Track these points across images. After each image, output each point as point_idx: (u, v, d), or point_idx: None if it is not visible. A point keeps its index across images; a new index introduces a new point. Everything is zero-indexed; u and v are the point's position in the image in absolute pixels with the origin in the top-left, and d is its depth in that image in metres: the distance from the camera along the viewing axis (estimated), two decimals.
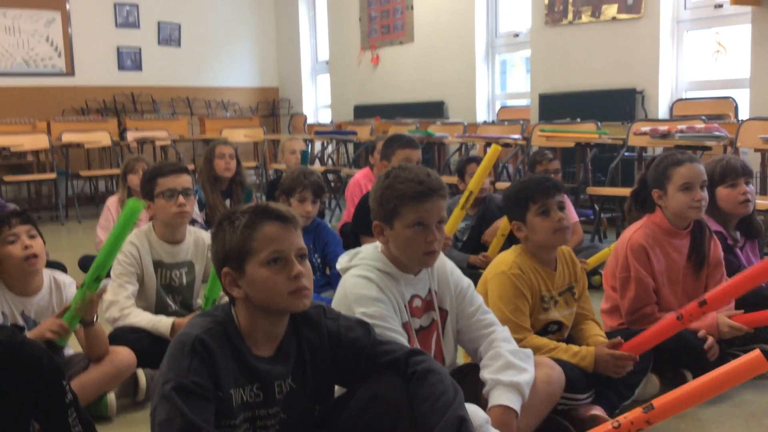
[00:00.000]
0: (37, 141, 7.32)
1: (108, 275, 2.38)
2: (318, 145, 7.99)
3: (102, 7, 8.88)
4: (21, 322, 2.34)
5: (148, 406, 2.44)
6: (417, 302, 1.97)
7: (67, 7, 8.64)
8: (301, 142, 5.01)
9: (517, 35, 7.05)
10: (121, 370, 2.41)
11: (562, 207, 2.27)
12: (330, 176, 7.33)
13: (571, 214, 4.23)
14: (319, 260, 3.35)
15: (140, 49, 9.15)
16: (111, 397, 2.38)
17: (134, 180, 4.27)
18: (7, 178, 7.06)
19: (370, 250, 1.98)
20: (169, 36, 9.37)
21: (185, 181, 2.78)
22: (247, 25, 10.01)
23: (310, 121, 9.68)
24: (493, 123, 6.48)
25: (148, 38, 9.21)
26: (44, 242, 2.37)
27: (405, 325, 1.91)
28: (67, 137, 7.39)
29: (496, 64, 7.33)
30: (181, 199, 2.74)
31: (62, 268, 3.96)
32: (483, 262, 3.66)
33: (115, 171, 7.74)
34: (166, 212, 2.75)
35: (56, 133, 7.58)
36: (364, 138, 6.79)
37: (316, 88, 10.11)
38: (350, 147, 7.62)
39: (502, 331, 2.00)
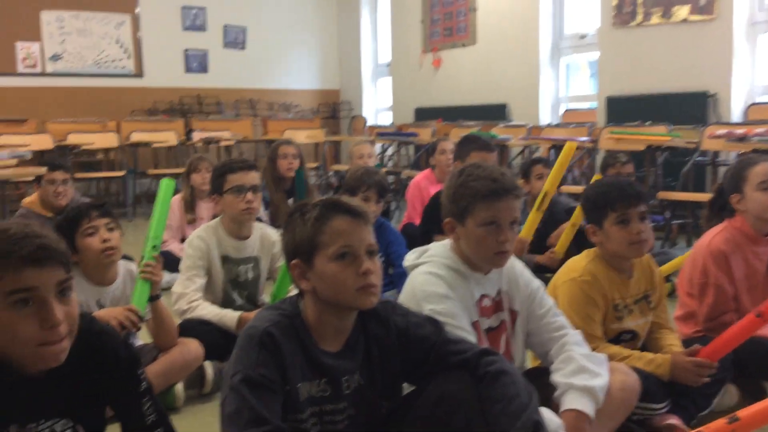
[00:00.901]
0: (107, 140, 7.55)
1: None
2: (378, 147, 7.98)
3: (170, 10, 9.10)
4: (96, 310, 2.39)
5: (214, 397, 2.49)
6: (486, 302, 1.94)
7: (137, 10, 8.88)
8: (370, 147, 5.02)
9: (583, 37, 6.92)
10: (189, 361, 2.45)
11: (643, 217, 2.17)
12: (390, 178, 7.34)
13: None
14: (382, 260, 3.33)
15: (207, 52, 9.34)
16: (179, 388, 2.42)
17: (197, 179, 4.35)
18: (78, 175, 7.27)
19: (440, 248, 1.96)
20: (235, 39, 9.54)
21: (254, 178, 2.81)
22: (310, 29, 10.11)
23: (370, 123, 9.71)
24: (558, 126, 6.36)
25: (215, 41, 9.39)
26: (122, 234, 2.43)
27: (474, 324, 1.87)
28: (136, 136, 7.59)
29: (561, 66, 7.20)
30: (249, 195, 2.77)
31: (100, 205, 4.04)
32: (551, 261, 3.58)
33: (181, 170, 7.89)
34: (234, 208, 2.78)
35: (125, 132, 7.80)
36: (425, 140, 6.76)
37: (377, 90, 10.14)
38: (411, 149, 7.61)
39: (574, 335, 1.95)
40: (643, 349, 2.29)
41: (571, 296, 2.18)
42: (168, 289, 4.06)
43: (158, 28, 8.99)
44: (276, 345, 1.48)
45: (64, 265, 1.30)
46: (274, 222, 4.51)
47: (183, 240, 4.33)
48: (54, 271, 1.28)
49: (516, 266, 2.01)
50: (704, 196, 4.39)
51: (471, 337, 1.80)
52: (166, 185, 2.47)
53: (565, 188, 4.84)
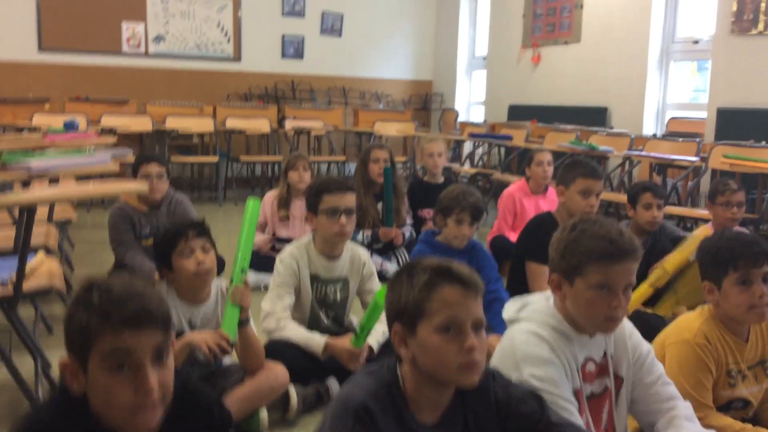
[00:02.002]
0: (203, 124, 7.71)
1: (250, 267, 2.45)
2: (469, 145, 7.83)
3: None
4: (187, 329, 2.41)
5: (298, 423, 2.47)
6: (590, 366, 1.81)
7: None
8: (442, 145, 4.89)
9: (696, 42, 6.52)
10: (275, 387, 2.43)
11: (767, 278, 2.00)
12: (479, 179, 7.19)
13: None
14: None
15: (303, 38, 9.37)
16: (264, 414, 2.40)
17: (294, 176, 4.35)
18: (174, 158, 7.48)
19: (542, 304, 1.84)
20: (331, 26, 9.53)
21: (349, 200, 2.76)
22: (407, 17, 9.99)
23: (461, 117, 9.54)
24: (663, 137, 6.03)
25: (312, 27, 9.40)
26: (216, 254, 2.42)
27: (576, 393, 1.75)
28: (231, 123, 7.71)
29: (670, 72, 6.82)
30: (342, 218, 2.72)
31: (222, 263, 4.11)
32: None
33: (272, 158, 8.02)
34: (327, 230, 2.74)
35: (221, 117, 7.95)
36: (519, 143, 6.55)
37: (471, 83, 9.93)
38: (502, 149, 7.41)
39: (685, 408, 1.80)
40: (755, 420, 2.11)
41: (682, 359, 2.02)
42: (255, 289, 4.15)
43: (258, 13, 9.07)
44: (372, 419, 1.41)
45: (164, 329, 1.27)
46: (361, 226, 4.47)
47: (273, 235, 4.37)
48: (152, 335, 1.25)
49: (625, 327, 1.87)
50: None
51: (572, 407, 1.69)
52: (252, 205, 2.46)
53: (669, 209, 4.58)
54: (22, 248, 2.11)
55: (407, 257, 4.53)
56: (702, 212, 4.02)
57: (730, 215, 3.71)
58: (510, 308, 1.91)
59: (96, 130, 5.74)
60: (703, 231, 3.21)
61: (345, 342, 2.59)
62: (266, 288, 4.07)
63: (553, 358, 1.72)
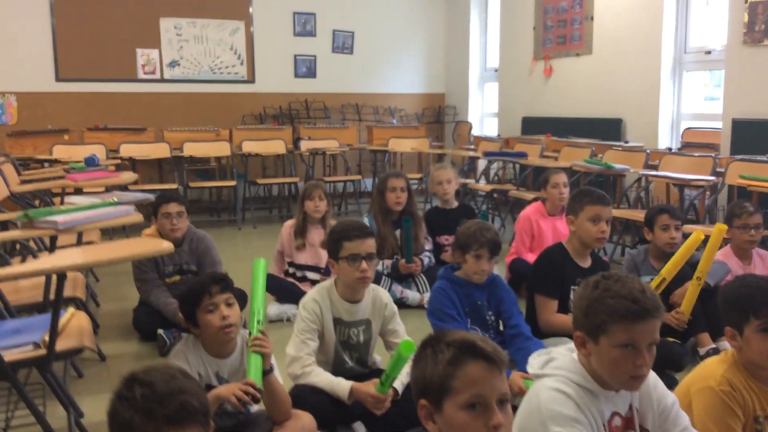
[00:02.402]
0: (220, 149, 7.80)
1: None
2: (484, 162, 7.83)
3: (282, 16, 9.25)
4: (215, 382, 2.46)
5: None
6: (617, 421, 1.83)
7: (251, 16, 9.07)
8: (450, 172, 4.94)
9: (709, 52, 6.50)
10: None
11: None
12: (495, 195, 7.20)
13: None
14: (492, 317, 3.25)
15: (315, 57, 9.44)
16: None
17: (310, 206, 4.41)
18: (193, 183, 7.57)
19: (567, 359, 1.86)
20: (343, 44, 9.59)
21: (369, 246, 2.79)
22: (418, 32, 10.03)
23: (475, 129, 9.56)
24: (679, 150, 6.02)
25: (323, 46, 9.48)
26: (241, 307, 2.47)
27: None
28: (247, 146, 7.79)
29: (684, 83, 6.80)
30: (363, 264, 2.75)
31: (243, 296, 4.16)
32: (678, 322, 3.40)
33: (289, 179, 8.09)
34: (349, 276, 2.78)
35: (237, 140, 8.03)
36: (534, 159, 6.55)
37: (483, 95, 9.95)
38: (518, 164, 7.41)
39: None
40: None
41: (709, 406, 2.03)
42: (277, 320, 4.21)
43: (270, 34, 9.16)
44: None
45: (204, 425, 1.32)
46: (380, 254, 4.52)
47: (290, 264, 4.43)
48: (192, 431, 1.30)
49: (649, 379, 1.89)
50: None
51: None
52: (260, 265, 2.57)
53: (688, 228, 4.57)
54: (54, 311, 2.17)
55: (427, 284, 4.57)
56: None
57: (748, 237, 3.71)
58: (535, 363, 1.93)
59: (114, 165, 5.81)
60: (695, 237, 3.22)
61: (370, 387, 2.63)
62: (289, 320, 4.21)
63: (579, 416, 1.74)
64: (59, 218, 2.76)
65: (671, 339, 3.35)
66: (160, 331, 3.73)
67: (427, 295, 4.50)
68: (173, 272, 3.99)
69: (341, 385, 2.66)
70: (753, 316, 2.00)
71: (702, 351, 3.46)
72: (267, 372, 2.40)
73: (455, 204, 5.02)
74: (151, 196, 3.98)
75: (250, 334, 2.41)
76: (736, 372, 2.07)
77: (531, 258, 4.76)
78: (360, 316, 2.88)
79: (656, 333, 1.73)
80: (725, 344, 3.45)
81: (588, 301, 1.77)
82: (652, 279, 3.68)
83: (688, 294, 3.39)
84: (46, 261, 2.17)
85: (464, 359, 1.47)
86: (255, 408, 2.59)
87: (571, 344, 1.90)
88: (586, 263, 3.33)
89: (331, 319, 2.84)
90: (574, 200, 3.32)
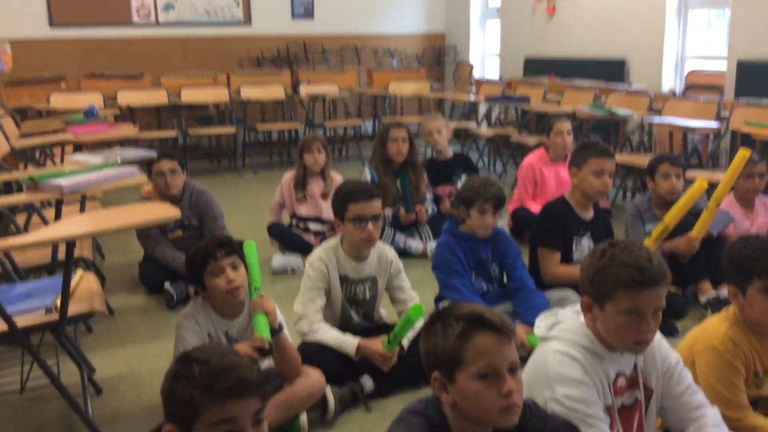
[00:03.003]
0: (218, 95, 7.71)
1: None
2: (485, 105, 7.74)
3: None
4: (225, 342, 2.50)
5: (335, 425, 2.58)
6: (621, 381, 1.88)
7: None
8: (440, 121, 4.91)
9: None
10: (313, 393, 2.53)
11: None
12: (497, 140, 7.16)
13: None
14: (497, 270, 3.28)
15: None
16: (303, 418, 2.51)
17: (309, 159, 4.39)
18: (192, 131, 7.51)
19: (574, 322, 1.89)
20: None
21: (375, 207, 2.80)
22: None
23: (476, 71, 9.42)
24: (683, 94, 5.95)
25: None
26: (246, 268, 2.49)
27: (608, 409, 1.82)
28: (246, 92, 7.71)
29: (689, 21, 6.67)
30: (369, 226, 2.77)
31: (226, 243, 4.16)
32: (689, 248, 3.42)
33: (289, 125, 8.03)
34: (354, 236, 2.80)
35: (235, 85, 7.93)
36: (537, 103, 6.49)
37: (485, 35, 9.77)
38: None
39: (713, 416, 1.88)
40: None
41: (713, 365, 2.08)
42: (282, 272, 4.25)
43: None
44: None
45: (261, 396, 1.39)
46: (383, 205, 4.52)
47: (293, 216, 4.45)
48: (252, 403, 1.37)
49: (654, 339, 1.93)
50: None
51: (603, 424, 1.76)
52: (252, 247, 2.56)
53: (691, 174, 4.57)
54: (65, 278, 2.19)
55: (430, 234, 4.59)
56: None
57: (752, 186, 3.71)
58: (541, 325, 1.96)
59: (113, 116, 5.75)
60: (699, 185, 3.23)
61: (377, 344, 2.68)
62: (293, 271, 4.25)
63: (585, 378, 1.78)
64: (64, 182, 2.76)
65: (673, 288, 3.39)
66: (167, 285, 3.77)
67: (430, 245, 4.53)
68: (175, 227, 4.01)
69: (348, 342, 2.71)
70: (757, 277, 2.03)
71: (703, 299, 3.50)
72: (276, 331, 2.44)
73: (450, 154, 4.99)
74: (154, 153, 3.95)
75: (251, 299, 2.45)
76: (737, 330, 2.10)
77: (534, 207, 4.78)
78: (366, 274, 2.91)
79: (662, 300, 1.75)
80: (725, 291, 3.49)
81: (595, 269, 1.80)
82: (655, 226, 3.71)
83: (701, 220, 3.38)
84: (55, 230, 2.18)
85: (473, 331, 1.50)
86: (265, 364, 2.65)
87: (577, 306, 1.93)
88: (589, 215, 3.34)
89: (338, 276, 2.87)
90: (577, 153, 3.30)
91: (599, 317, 1.80)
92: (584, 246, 3.32)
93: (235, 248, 2.46)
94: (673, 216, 3.32)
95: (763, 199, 3.83)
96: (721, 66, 6.22)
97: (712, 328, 2.14)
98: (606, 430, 1.76)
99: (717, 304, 3.40)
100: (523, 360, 2.91)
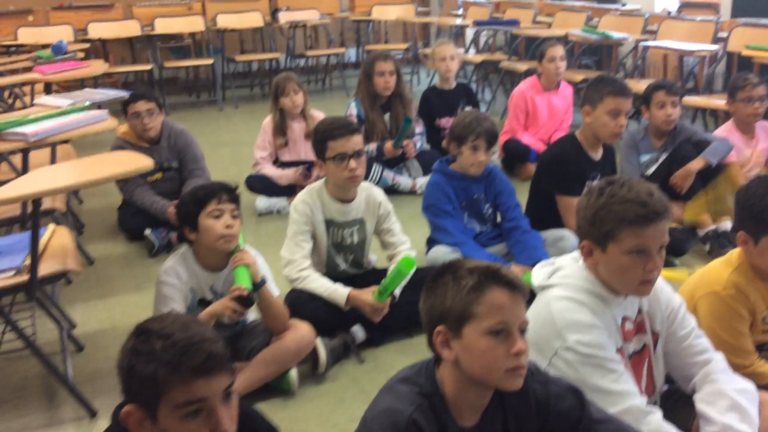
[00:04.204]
0: (194, 24, 7.39)
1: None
2: (472, 30, 7.43)
3: None
4: (209, 296, 2.39)
5: (327, 378, 2.50)
6: (628, 325, 1.78)
7: None
8: (452, 48, 4.66)
9: None
10: (302, 347, 2.43)
11: None
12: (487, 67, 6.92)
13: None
14: (490, 210, 3.16)
15: None
16: (293, 374, 2.42)
17: (287, 102, 4.16)
18: (168, 63, 7.22)
19: (574, 268, 1.78)
20: None
21: (356, 143, 2.64)
22: None
23: None
24: (678, 13, 5.71)
25: None
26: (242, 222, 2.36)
27: (619, 352, 1.74)
28: (222, 20, 7.38)
29: None
30: (352, 163, 2.61)
31: (232, 189, 4.02)
32: (676, 217, 3.32)
33: (269, 55, 7.72)
34: (338, 176, 2.65)
35: (211, 13, 7.58)
36: (528, 29, 6.21)
37: None
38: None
39: (719, 361, 1.80)
40: None
41: (715, 311, 1.99)
42: (267, 213, 4.11)
43: None
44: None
45: (230, 371, 1.26)
46: (369, 139, 4.36)
47: (276, 162, 4.26)
48: (222, 379, 1.25)
49: (657, 281, 1.83)
50: None
51: (621, 367, 1.67)
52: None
53: (687, 100, 4.41)
54: (32, 237, 2.05)
55: (420, 169, 4.44)
56: (720, 103, 3.86)
57: (752, 110, 3.58)
58: (540, 274, 1.85)
59: (83, 51, 5.47)
60: (736, 171, 3.03)
61: (368, 294, 2.58)
62: (278, 212, 4.12)
63: (596, 321, 1.69)
64: (28, 129, 2.57)
65: (672, 224, 3.29)
66: (148, 232, 3.63)
67: (419, 180, 4.39)
68: (155, 170, 3.83)
69: (338, 292, 2.60)
70: None
71: (701, 233, 3.41)
72: (258, 285, 2.32)
73: (454, 84, 4.76)
74: (125, 93, 3.73)
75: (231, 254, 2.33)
76: (742, 274, 2.00)
77: (525, 138, 4.64)
78: (353, 216, 2.78)
79: (666, 235, 1.65)
80: (726, 224, 3.41)
81: (593, 209, 1.68)
82: (651, 157, 3.58)
83: (700, 202, 3.26)
84: (18, 186, 2.02)
85: (488, 285, 1.39)
86: (251, 318, 2.55)
87: (576, 253, 1.81)
88: (598, 154, 3.14)
89: (323, 220, 2.74)
90: (591, 89, 3.04)
91: (601, 260, 1.69)
92: None
93: (238, 199, 2.33)
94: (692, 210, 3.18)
95: (764, 124, 3.70)
96: None
97: (714, 274, 2.04)
98: (626, 372, 1.68)
99: (716, 238, 3.32)
100: None
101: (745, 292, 1.98)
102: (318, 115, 4.28)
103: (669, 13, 5.80)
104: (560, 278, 1.78)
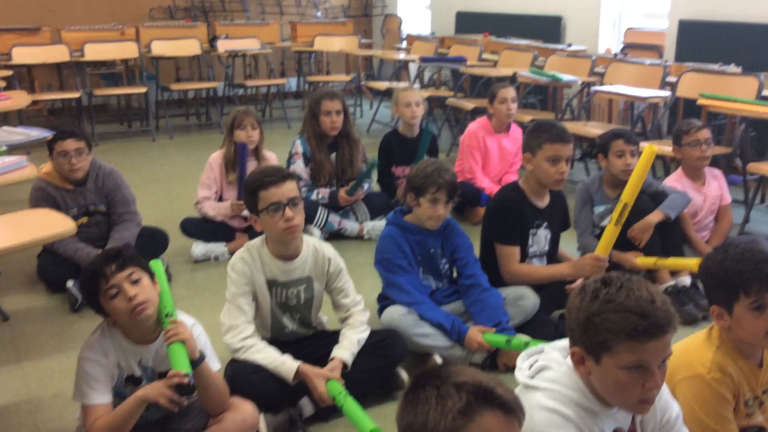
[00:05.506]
0: (127, 50, 7.03)
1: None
2: (415, 66, 7.33)
3: None
4: (138, 372, 2.12)
5: None
6: None
7: None
8: (417, 94, 4.46)
9: None
10: (244, 429, 2.17)
11: None
12: (432, 102, 6.80)
13: (725, 195, 3.68)
14: (447, 266, 2.97)
15: None
16: None
17: (241, 135, 3.91)
18: (98, 91, 6.83)
19: (564, 371, 1.55)
20: None
21: (289, 189, 2.40)
22: None
23: (405, 25, 8.97)
24: (622, 53, 5.72)
25: None
26: (153, 278, 2.09)
27: None
28: (157, 48, 7.04)
29: None
30: (288, 212, 2.37)
31: (164, 238, 3.73)
32: (629, 265, 3.22)
33: (206, 84, 7.41)
34: (275, 228, 2.40)
35: (145, 39, 7.24)
36: (475, 68, 6.08)
37: None
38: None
39: None
40: None
41: (699, 396, 1.82)
42: (204, 260, 3.82)
43: None
44: None
45: None
46: (315, 181, 4.14)
47: (220, 200, 3.98)
48: None
49: None
50: None
51: None
52: (158, 265, 2.21)
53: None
54: None
55: (367, 213, 4.24)
56: (669, 149, 3.81)
57: (699, 153, 3.54)
58: (524, 367, 1.63)
59: (4, 78, 5.07)
60: (649, 151, 2.90)
61: (320, 380, 2.35)
62: (216, 258, 3.84)
63: None
64: None
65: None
66: (70, 284, 3.30)
67: (367, 225, 4.18)
68: (79, 214, 3.51)
69: (286, 365, 2.36)
70: (743, 294, 1.77)
71: (660, 288, 3.31)
72: (197, 362, 2.06)
73: (417, 132, 4.49)
74: (49, 134, 3.40)
75: (162, 328, 2.06)
76: (725, 354, 1.86)
77: (485, 181, 4.49)
78: (298, 275, 2.53)
79: (669, 347, 1.45)
80: (685, 279, 3.31)
81: (586, 314, 1.46)
82: (606, 208, 3.48)
83: (606, 236, 3.06)
84: None
85: (480, 409, 1.16)
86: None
87: (565, 342, 1.62)
88: (544, 202, 3.04)
89: (264, 281, 2.49)
90: (531, 136, 2.95)
91: (594, 371, 1.49)
92: (541, 237, 3.04)
93: (129, 258, 2.04)
94: (630, 192, 2.97)
95: (713, 170, 3.66)
96: (660, 24, 6.02)
97: (695, 354, 1.88)
98: None
99: (675, 294, 3.22)
100: (480, 366, 2.69)
101: (729, 374, 1.84)
102: (271, 156, 4.04)
103: (615, 55, 5.80)
104: (547, 382, 1.56)
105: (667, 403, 1.65)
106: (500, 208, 3.01)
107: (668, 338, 1.44)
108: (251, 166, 3.96)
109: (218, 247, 3.88)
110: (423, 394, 1.20)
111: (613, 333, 1.42)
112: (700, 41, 5.45)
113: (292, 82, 8.45)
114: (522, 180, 3.05)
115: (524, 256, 3.00)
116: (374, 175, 4.41)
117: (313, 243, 2.59)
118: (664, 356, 1.45)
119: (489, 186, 4.46)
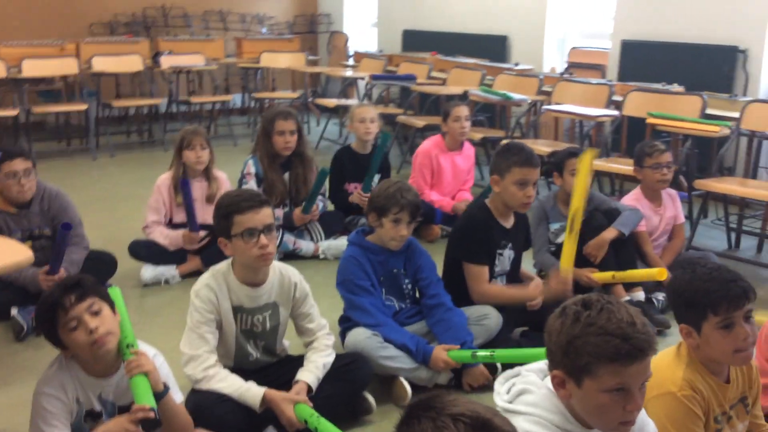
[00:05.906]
0: (66, 66, 6.81)
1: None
2: (363, 82, 7.34)
3: None
4: (98, 407, 2.02)
5: None
6: None
7: None
8: (372, 110, 4.45)
9: None
10: None
11: (749, 317, 1.82)
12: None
13: (679, 215, 3.76)
14: (410, 286, 2.94)
15: None
16: None
17: (191, 156, 3.80)
18: (37, 109, 6.59)
19: (543, 394, 1.54)
20: None
21: (266, 216, 2.34)
22: None
23: (352, 41, 8.98)
24: (570, 74, 5.85)
25: None
26: (113, 308, 2.00)
27: None
28: (98, 64, 6.85)
29: None
30: (263, 239, 2.31)
31: (112, 261, 3.59)
32: (586, 281, 3.27)
33: (149, 101, 7.24)
34: (247, 255, 2.33)
35: (86, 55, 7.03)
36: (425, 86, 6.12)
37: (360, 2, 9.32)
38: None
39: None
40: None
41: (671, 413, 1.84)
42: (154, 284, 3.70)
43: None
44: None
45: None
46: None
47: (170, 223, 3.86)
48: None
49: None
50: (757, 193, 4.01)
51: None
52: (116, 292, 2.14)
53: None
54: None
55: (322, 233, 4.19)
56: (629, 168, 3.88)
57: (660, 176, 3.60)
58: (502, 390, 1.62)
59: None
60: (589, 155, 2.95)
61: (287, 404, 2.29)
62: (167, 281, 3.72)
63: None
64: None
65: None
66: (14, 312, 3.15)
67: (322, 244, 4.13)
68: (23, 238, 3.35)
69: (251, 392, 2.28)
70: (711, 313, 1.80)
71: None
72: (161, 395, 1.98)
73: (369, 149, 4.47)
74: None
75: (123, 360, 1.97)
76: (694, 371, 1.88)
77: (434, 196, 4.51)
78: (264, 301, 2.47)
79: (649, 369, 1.47)
80: (639, 294, 3.38)
81: (567, 337, 1.46)
82: (561, 225, 3.52)
83: (567, 248, 3.11)
84: None
85: None
86: None
87: (541, 364, 1.61)
88: (510, 222, 3.06)
89: (230, 308, 2.41)
90: (500, 158, 2.95)
91: (575, 394, 1.48)
92: (506, 257, 3.05)
93: (89, 288, 1.95)
94: (578, 197, 3.01)
95: (670, 191, 3.75)
96: (603, 44, 6.19)
97: (665, 372, 1.90)
98: None
99: None
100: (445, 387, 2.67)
101: (699, 390, 1.86)
102: (222, 177, 3.94)
103: (561, 74, 5.93)
104: (527, 406, 1.54)
105: (643, 422, 1.65)
106: (470, 228, 3.01)
107: (649, 360, 1.45)
108: (200, 186, 3.88)
109: (169, 270, 3.76)
110: (418, 426, 1.15)
111: (595, 356, 1.42)
112: (642, 61, 5.62)
113: (237, 99, 8.34)
114: (489, 200, 3.06)
115: (490, 276, 3.01)
116: (326, 192, 4.35)
117: (279, 267, 2.53)
118: (645, 378, 1.46)
119: (438, 198, 4.48)
